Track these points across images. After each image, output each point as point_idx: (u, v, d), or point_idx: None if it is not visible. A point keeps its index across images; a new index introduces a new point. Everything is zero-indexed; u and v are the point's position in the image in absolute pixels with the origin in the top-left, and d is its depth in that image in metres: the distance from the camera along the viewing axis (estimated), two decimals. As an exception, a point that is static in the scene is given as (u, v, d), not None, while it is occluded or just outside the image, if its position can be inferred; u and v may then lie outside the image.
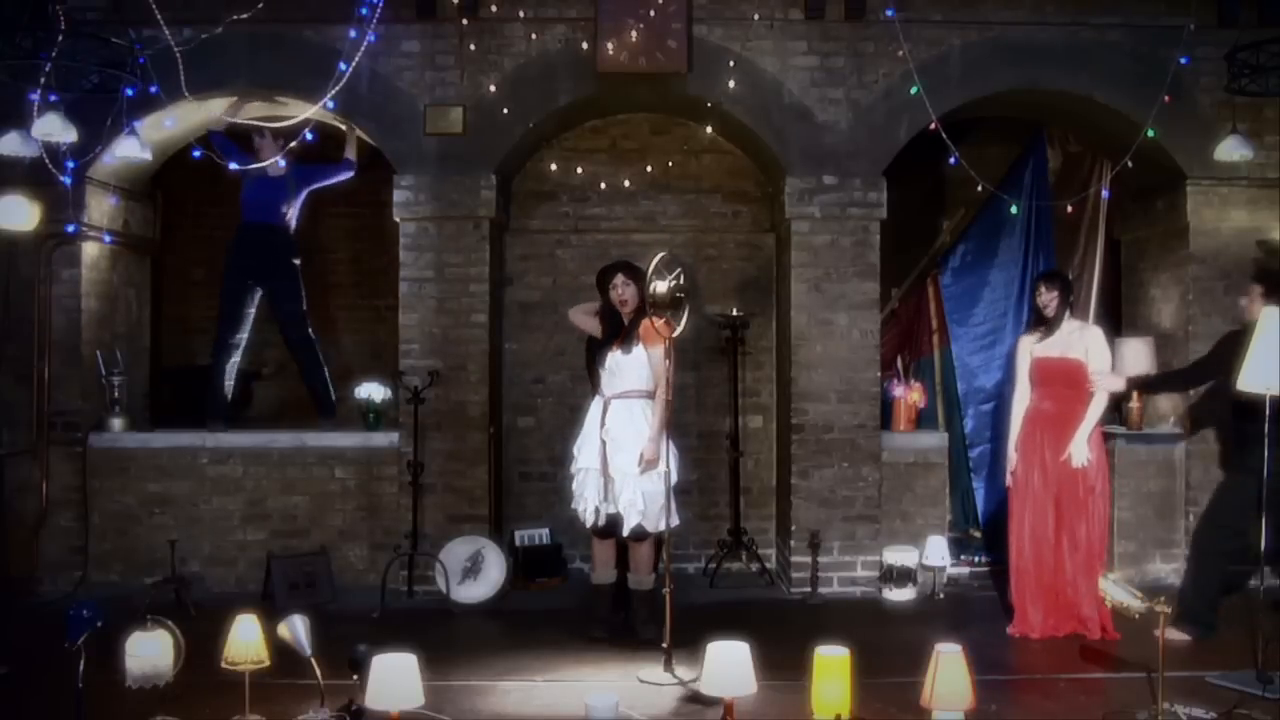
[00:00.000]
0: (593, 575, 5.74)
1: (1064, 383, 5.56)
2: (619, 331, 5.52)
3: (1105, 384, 5.54)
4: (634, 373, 5.44)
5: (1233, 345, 5.29)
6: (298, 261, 6.96)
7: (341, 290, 8.13)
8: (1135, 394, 6.56)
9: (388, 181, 6.66)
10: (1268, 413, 4.89)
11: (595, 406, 5.57)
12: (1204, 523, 5.60)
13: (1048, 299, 5.63)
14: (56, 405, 6.57)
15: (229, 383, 6.97)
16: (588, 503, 5.50)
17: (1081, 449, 5.43)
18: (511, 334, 7.19)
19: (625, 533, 5.40)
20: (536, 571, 6.78)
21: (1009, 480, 5.68)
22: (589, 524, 5.55)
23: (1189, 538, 6.65)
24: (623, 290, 5.51)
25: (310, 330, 7.01)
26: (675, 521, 5.32)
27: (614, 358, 5.48)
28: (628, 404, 5.42)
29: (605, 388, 5.53)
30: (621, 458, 5.36)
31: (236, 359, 6.98)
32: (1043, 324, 5.68)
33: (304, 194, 7.00)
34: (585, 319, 5.74)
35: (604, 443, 5.41)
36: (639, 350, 5.43)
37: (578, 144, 7.33)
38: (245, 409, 7.56)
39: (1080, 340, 5.60)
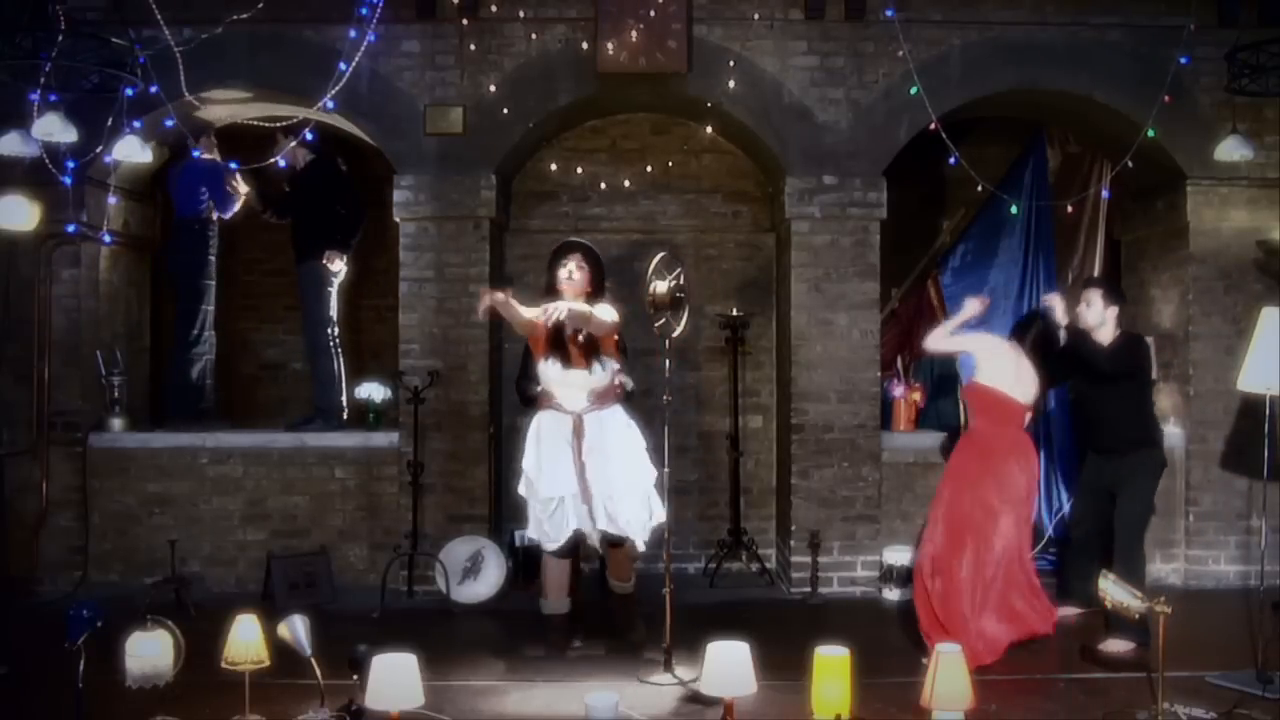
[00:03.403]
0: (545, 604, 5.21)
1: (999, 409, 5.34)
2: (563, 341, 4.93)
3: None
4: (599, 378, 4.98)
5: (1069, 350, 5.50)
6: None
7: (341, 290, 8.12)
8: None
9: (388, 181, 6.66)
10: (1268, 412, 4.90)
11: (556, 424, 5.01)
12: (1136, 532, 5.38)
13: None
14: (56, 405, 6.58)
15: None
16: (566, 530, 5.04)
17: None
18: (511, 334, 7.18)
19: (616, 540, 5.09)
20: (536, 572, 6.74)
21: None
22: (555, 549, 5.12)
23: (1188, 537, 6.67)
24: (574, 272, 5.02)
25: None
26: (662, 516, 5.12)
27: (565, 372, 4.97)
28: (599, 416, 5.00)
29: (566, 402, 5.01)
30: (611, 468, 4.95)
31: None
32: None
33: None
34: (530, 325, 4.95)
35: (584, 464, 4.94)
36: (597, 362, 4.96)
37: (578, 144, 7.33)
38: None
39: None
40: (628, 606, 5.38)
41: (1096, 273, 7.47)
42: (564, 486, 5.00)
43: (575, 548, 5.23)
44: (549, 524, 5.08)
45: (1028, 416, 5.41)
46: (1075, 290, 7.34)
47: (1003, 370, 5.29)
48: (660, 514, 5.12)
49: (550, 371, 5.01)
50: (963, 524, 5.07)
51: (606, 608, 5.48)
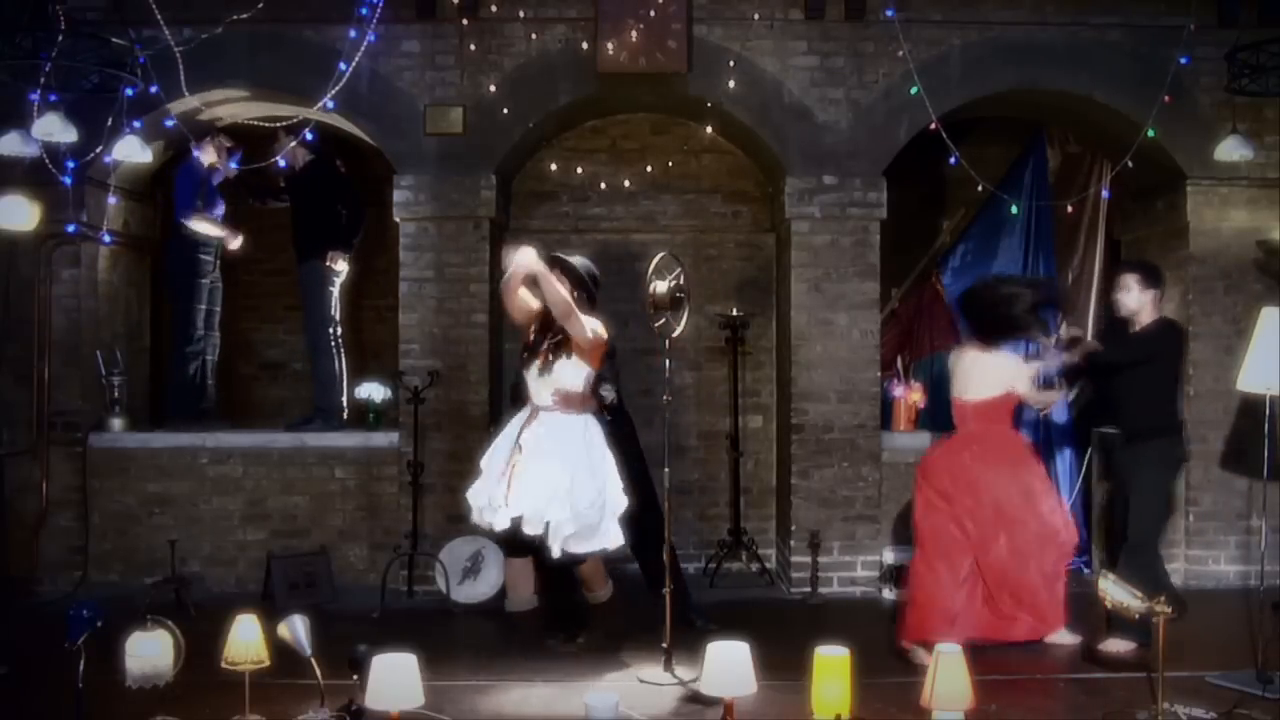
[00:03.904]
0: (507, 603, 5.32)
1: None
2: (542, 340, 5.07)
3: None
4: (563, 378, 5.08)
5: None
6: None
7: (342, 290, 8.12)
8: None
9: (388, 181, 6.66)
10: (1268, 412, 4.89)
11: (519, 417, 5.19)
12: (1144, 527, 5.24)
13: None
14: (56, 405, 6.58)
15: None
16: (476, 501, 5.11)
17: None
18: (511, 334, 7.18)
19: (554, 554, 4.97)
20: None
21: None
22: (488, 526, 5.14)
23: (1188, 537, 6.67)
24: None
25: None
26: (611, 543, 5.07)
27: (533, 367, 5.11)
28: (556, 416, 5.07)
29: (534, 398, 5.15)
30: (535, 464, 4.94)
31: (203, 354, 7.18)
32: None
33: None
34: (528, 304, 5.08)
35: (520, 447, 5.01)
36: (566, 362, 5.05)
37: (578, 144, 7.33)
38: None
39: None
40: (605, 611, 5.42)
41: (1096, 273, 7.46)
42: (487, 463, 5.12)
43: (530, 546, 5.07)
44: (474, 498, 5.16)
45: (1044, 403, 5.45)
46: (1076, 290, 7.36)
47: (955, 376, 5.48)
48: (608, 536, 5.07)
49: (523, 368, 5.20)
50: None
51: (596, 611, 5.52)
